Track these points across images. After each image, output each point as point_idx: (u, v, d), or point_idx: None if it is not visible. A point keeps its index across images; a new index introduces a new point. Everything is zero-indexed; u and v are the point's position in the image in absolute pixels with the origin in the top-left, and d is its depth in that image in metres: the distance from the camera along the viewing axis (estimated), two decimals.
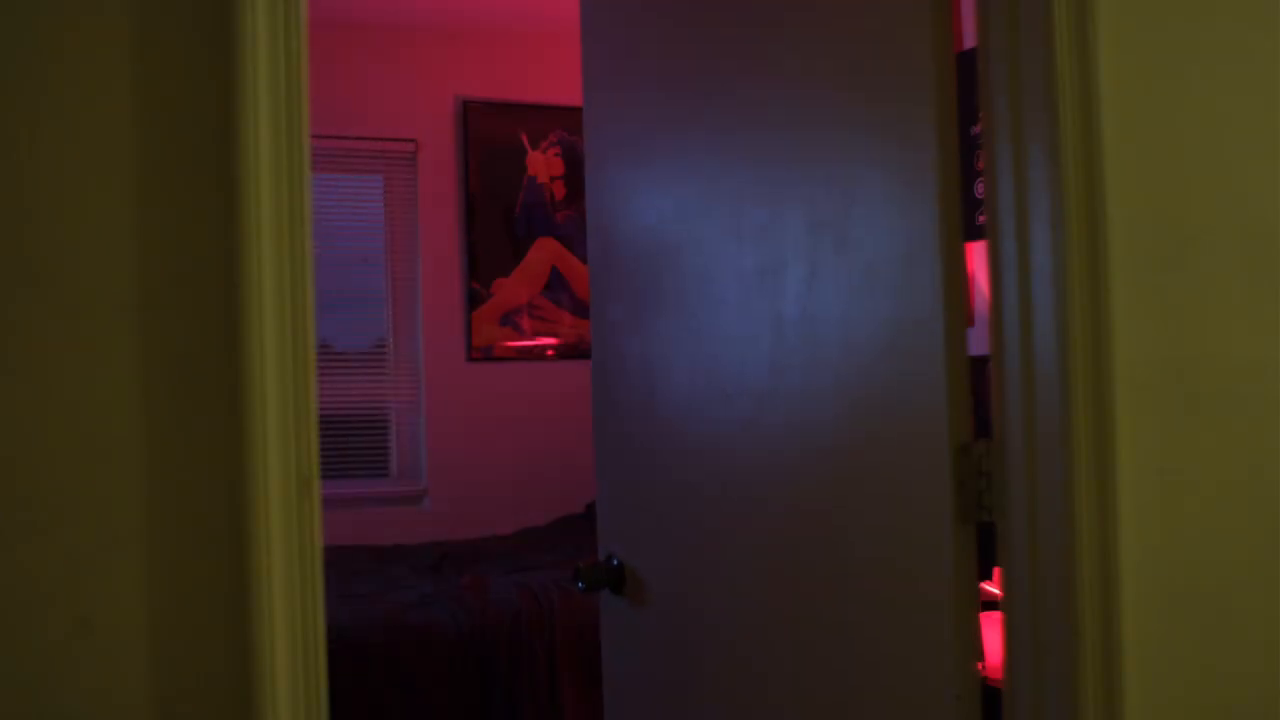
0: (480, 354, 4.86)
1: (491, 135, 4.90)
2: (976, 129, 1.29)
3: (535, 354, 4.95)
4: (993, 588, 1.32)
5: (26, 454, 0.95)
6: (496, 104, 4.91)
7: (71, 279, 0.96)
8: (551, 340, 4.97)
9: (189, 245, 0.99)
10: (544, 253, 4.98)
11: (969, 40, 1.32)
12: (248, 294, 0.97)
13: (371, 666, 3.19)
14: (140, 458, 0.97)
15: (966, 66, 1.28)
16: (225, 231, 0.98)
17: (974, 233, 1.39)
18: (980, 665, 1.27)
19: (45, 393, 0.95)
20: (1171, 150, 1.24)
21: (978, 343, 1.32)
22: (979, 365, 1.30)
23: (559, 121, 4.90)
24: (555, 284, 4.98)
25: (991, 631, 1.29)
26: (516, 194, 4.94)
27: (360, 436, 4.84)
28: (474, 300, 4.86)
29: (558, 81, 4.73)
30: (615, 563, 1.82)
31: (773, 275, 1.46)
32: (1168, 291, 1.23)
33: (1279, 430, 1.26)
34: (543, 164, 4.99)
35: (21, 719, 0.95)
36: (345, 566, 3.96)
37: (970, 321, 1.30)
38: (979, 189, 1.32)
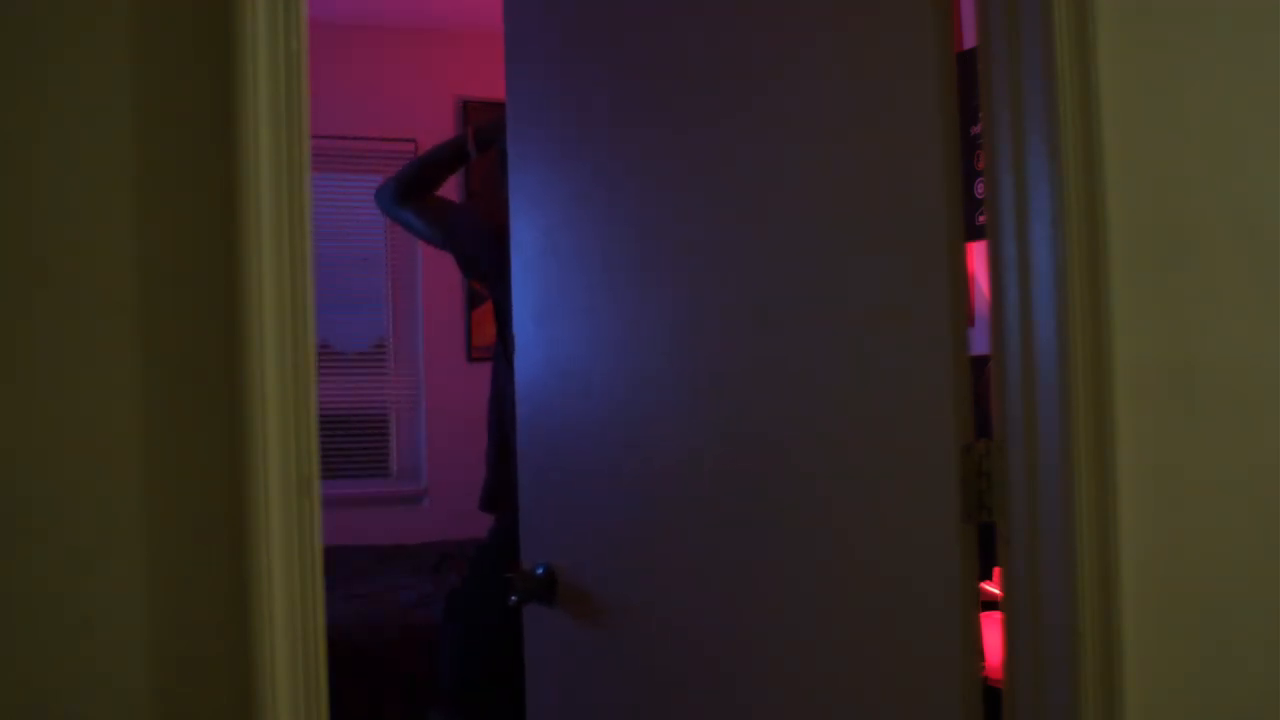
0: (481, 354, 4.86)
1: None
2: (976, 129, 1.29)
3: None
4: (993, 588, 1.32)
5: (26, 454, 0.95)
6: (496, 104, 4.91)
7: (71, 279, 0.96)
8: None
9: (189, 245, 0.99)
10: None
11: (969, 40, 1.32)
12: (248, 294, 0.97)
13: (371, 667, 3.19)
14: (140, 458, 0.97)
15: (966, 66, 1.28)
16: (225, 232, 0.98)
17: (974, 233, 1.39)
18: (980, 665, 1.27)
19: (45, 393, 0.95)
20: (1171, 150, 1.24)
21: (978, 343, 1.32)
22: (979, 365, 1.30)
23: None
24: None
25: (991, 631, 1.29)
26: None
27: (360, 436, 4.84)
28: (474, 300, 4.85)
29: None
30: (540, 571, 1.70)
31: (758, 276, 1.46)
32: (1168, 291, 1.23)
33: (1279, 430, 1.26)
34: None
35: (21, 719, 0.95)
36: (345, 566, 3.97)
37: (970, 321, 1.30)
38: (979, 189, 1.32)
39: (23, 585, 0.95)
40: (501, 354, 2.61)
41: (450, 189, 4.76)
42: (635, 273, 1.63)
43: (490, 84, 4.91)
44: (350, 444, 4.82)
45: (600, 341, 1.68)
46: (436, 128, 4.85)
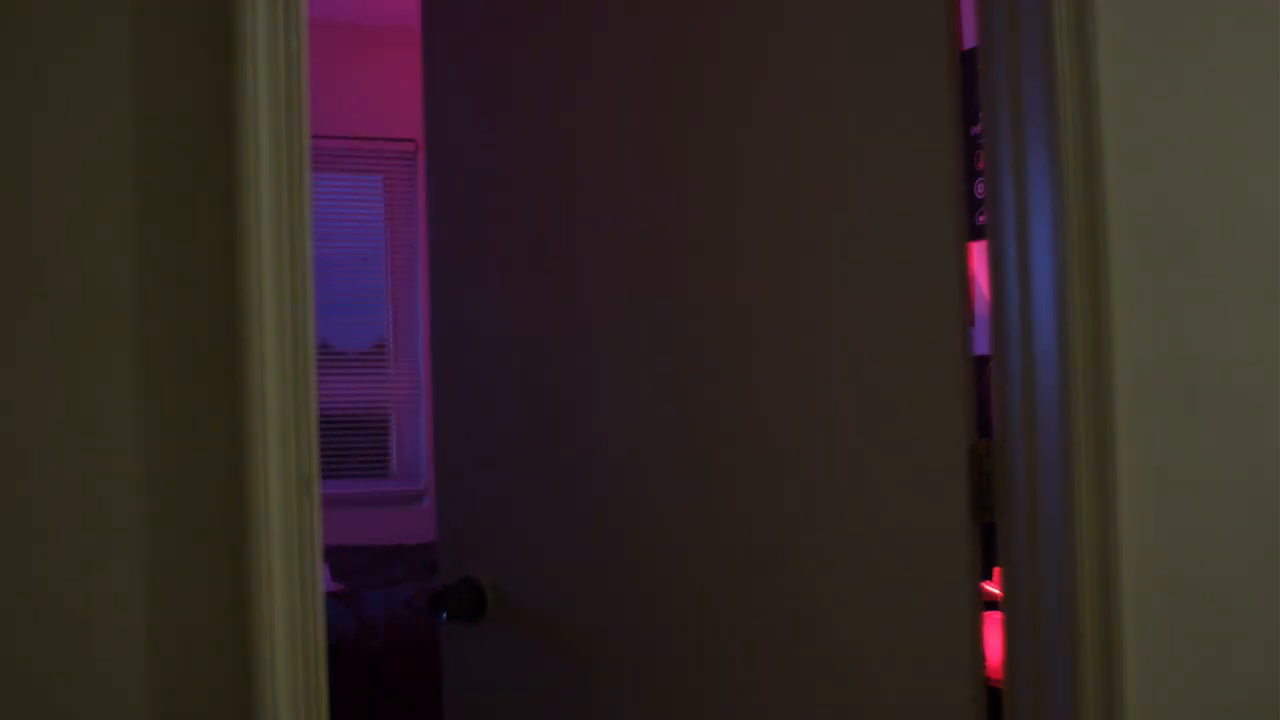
0: None
1: None
2: (976, 129, 1.29)
3: None
4: (993, 588, 1.32)
5: (26, 454, 0.95)
6: None
7: (72, 279, 0.96)
8: None
9: (189, 245, 0.99)
10: None
11: (969, 40, 1.32)
12: (248, 294, 0.97)
13: (371, 667, 3.19)
14: (140, 458, 0.97)
15: (967, 66, 1.28)
16: (225, 232, 0.98)
17: (974, 233, 1.40)
18: (983, 666, 1.27)
19: (45, 393, 0.95)
20: (1171, 150, 1.24)
21: (978, 343, 1.32)
22: (979, 365, 1.30)
23: None
24: None
25: (992, 631, 1.29)
26: None
27: (360, 436, 4.84)
28: None
29: None
30: (464, 585, 1.52)
31: (759, 275, 1.45)
32: (1168, 291, 1.23)
33: (1279, 430, 1.26)
34: None
35: (21, 719, 0.95)
36: (345, 566, 3.97)
37: (970, 321, 1.30)
38: (979, 189, 1.32)
39: (23, 585, 0.94)
40: None
41: None
42: (615, 264, 1.56)
43: None
44: (350, 444, 4.82)
45: (566, 333, 1.55)
46: None
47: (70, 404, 0.96)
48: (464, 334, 1.66)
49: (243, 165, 0.97)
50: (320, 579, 1.01)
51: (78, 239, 0.96)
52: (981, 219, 1.29)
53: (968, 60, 1.29)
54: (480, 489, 1.61)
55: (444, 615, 1.53)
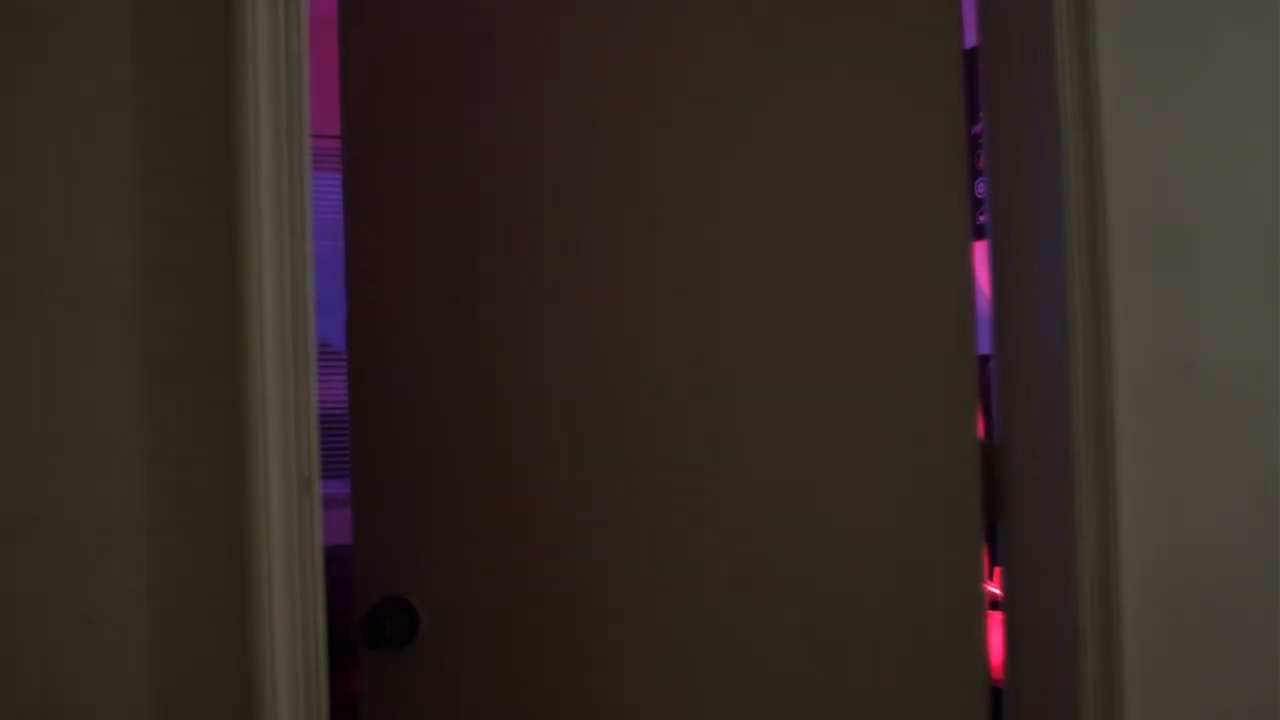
0: None
1: None
2: (977, 129, 1.29)
3: None
4: (993, 587, 1.32)
5: (27, 453, 0.95)
6: None
7: (72, 279, 0.96)
8: None
9: (189, 245, 0.99)
10: None
11: (969, 40, 1.32)
12: (248, 294, 0.97)
13: None
14: (140, 457, 0.97)
15: (967, 66, 1.28)
16: (225, 232, 0.98)
17: (974, 233, 1.40)
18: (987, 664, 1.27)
19: (45, 392, 0.95)
20: (1171, 151, 1.24)
21: (978, 342, 1.32)
22: (980, 365, 1.30)
23: None
24: None
25: (992, 631, 1.29)
26: None
27: None
28: None
29: None
30: (392, 605, 1.34)
31: (766, 275, 1.45)
32: (1168, 291, 1.23)
33: (1279, 430, 1.26)
34: None
35: (22, 717, 0.95)
36: (346, 566, 3.96)
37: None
38: (979, 189, 1.32)
39: (23, 585, 0.95)
40: None
41: None
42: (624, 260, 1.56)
43: None
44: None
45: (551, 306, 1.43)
46: None
47: (70, 404, 0.96)
48: (386, 322, 1.52)
49: (243, 165, 0.97)
50: (321, 579, 1.01)
51: (78, 239, 0.96)
52: (981, 219, 1.29)
53: (968, 60, 1.29)
54: (406, 492, 1.46)
55: (382, 641, 1.33)
